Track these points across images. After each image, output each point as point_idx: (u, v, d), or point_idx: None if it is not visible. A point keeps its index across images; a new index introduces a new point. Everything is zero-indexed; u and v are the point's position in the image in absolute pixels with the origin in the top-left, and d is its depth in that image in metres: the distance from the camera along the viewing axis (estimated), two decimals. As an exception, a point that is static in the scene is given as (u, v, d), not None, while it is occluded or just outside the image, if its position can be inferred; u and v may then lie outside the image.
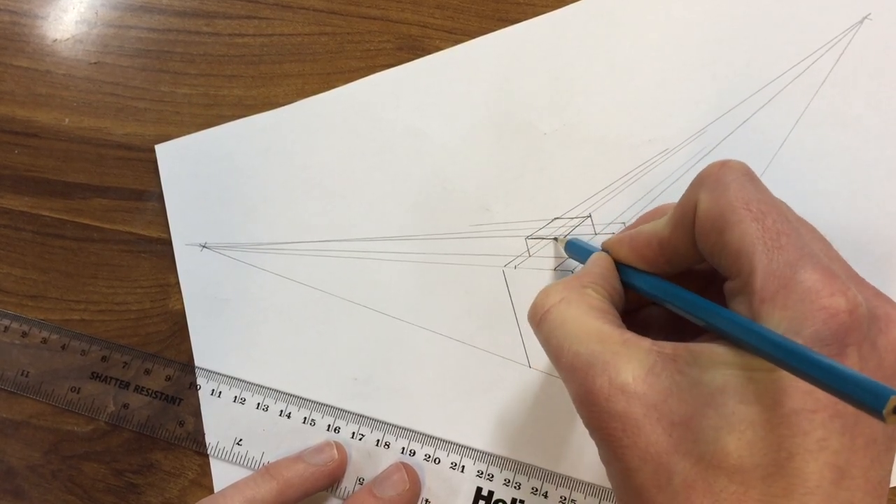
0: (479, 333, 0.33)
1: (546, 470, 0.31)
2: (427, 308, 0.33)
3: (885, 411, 0.14)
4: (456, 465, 0.32)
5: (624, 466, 0.20)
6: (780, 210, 0.21)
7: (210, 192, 0.36)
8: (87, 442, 0.35)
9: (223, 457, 0.34)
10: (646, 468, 0.20)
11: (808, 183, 0.31)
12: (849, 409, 0.18)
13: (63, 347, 0.36)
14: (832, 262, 0.20)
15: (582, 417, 0.22)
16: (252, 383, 0.34)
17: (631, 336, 0.21)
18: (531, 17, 0.35)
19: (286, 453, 0.32)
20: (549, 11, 0.35)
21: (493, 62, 0.35)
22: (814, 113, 0.32)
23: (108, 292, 0.36)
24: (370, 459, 0.32)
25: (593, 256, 0.26)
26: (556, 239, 0.33)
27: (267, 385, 0.34)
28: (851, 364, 0.18)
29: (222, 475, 0.34)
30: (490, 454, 0.32)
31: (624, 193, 0.33)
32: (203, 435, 0.34)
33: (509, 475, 0.31)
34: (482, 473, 0.32)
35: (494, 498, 0.31)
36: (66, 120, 0.38)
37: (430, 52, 0.36)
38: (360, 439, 0.33)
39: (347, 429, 0.33)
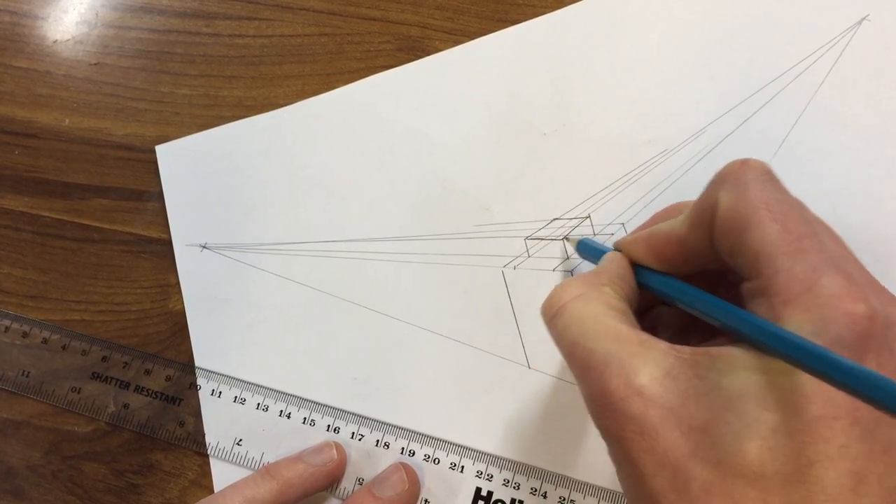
0: (479, 333, 0.33)
1: (545, 470, 0.31)
2: (426, 308, 0.33)
3: None
4: (455, 465, 0.32)
5: (638, 471, 0.20)
6: (801, 211, 0.21)
7: (210, 193, 0.36)
8: (88, 442, 0.35)
9: (223, 457, 0.34)
10: (662, 473, 0.19)
11: (808, 183, 0.31)
12: (867, 415, 0.18)
13: (63, 348, 0.36)
14: (851, 266, 0.20)
15: (594, 417, 0.21)
16: (252, 383, 0.34)
17: (648, 338, 0.21)
18: (531, 18, 0.35)
19: (286, 453, 0.32)
20: (549, 12, 0.35)
21: (492, 63, 0.35)
22: (814, 113, 0.32)
23: (108, 292, 0.37)
24: (370, 460, 0.32)
25: (608, 255, 0.26)
26: (566, 238, 0.32)
27: (267, 385, 0.34)
28: None
29: (222, 475, 0.34)
30: (489, 454, 0.32)
31: (624, 194, 0.33)
32: (203, 435, 0.34)
33: (508, 475, 0.31)
34: (481, 474, 0.32)
35: (494, 498, 0.31)
36: (67, 120, 0.38)
37: (429, 53, 0.36)
38: (360, 439, 0.33)
39: (347, 429, 0.33)
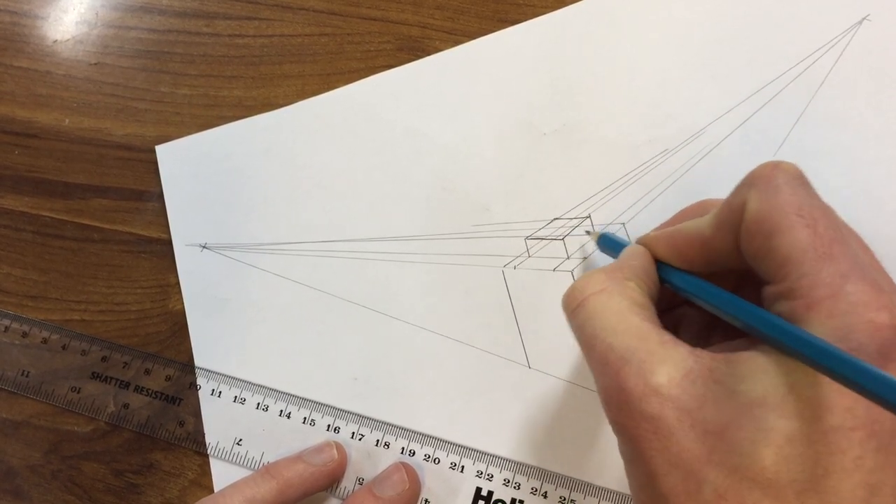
0: (479, 333, 0.33)
1: (545, 470, 0.31)
2: (427, 308, 0.33)
3: None
4: (455, 465, 0.32)
5: (651, 470, 0.20)
6: (831, 217, 0.20)
7: (210, 193, 0.36)
8: (87, 442, 0.35)
9: (223, 457, 0.34)
10: (675, 474, 0.19)
11: (808, 183, 0.31)
12: (885, 428, 0.18)
13: (63, 347, 0.36)
14: (878, 275, 0.20)
15: (608, 412, 0.21)
16: (252, 383, 0.34)
17: (670, 338, 0.21)
18: (531, 18, 0.35)
19: (286, 453, 0.32)
20: (549, 12, 0.35)
21: (493, 63, 0.35)
22: (814, 113, 0.32)
23: (108, 292, 0.37)
24: (370, 459, 0.32)
25: (630, 249, 0.26)
26: (588, 232, 0.32)
27: (267, 385, 0.34)
28: None
29: (222, 475, 0.34)
30: (489, 454, 0.32)
31: (624, 193, 0.33)
32: (203, 435, 0.34)
33: (509, 475, 0.31)
34: (482, 473, 0.32)
35: (494, 498, 0.31)
36: (67, 120, 0.38)
37: (429, 53, 0.36)
38: (360, 439, 0.33)
39: (347, 429, 0.33)
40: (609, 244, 0.29)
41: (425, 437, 0.32)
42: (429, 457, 0.32)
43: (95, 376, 0.35)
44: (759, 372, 0.19)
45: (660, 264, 0.25)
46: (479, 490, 0.31)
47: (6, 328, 0.37)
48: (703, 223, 0.23)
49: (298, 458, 0.31)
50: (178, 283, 0.36)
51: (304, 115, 0.36)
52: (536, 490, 0.31)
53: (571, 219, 0.33)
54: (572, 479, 0.31)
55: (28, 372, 0.36)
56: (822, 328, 0.18)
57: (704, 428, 0.19)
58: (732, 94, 0.32)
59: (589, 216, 0.33)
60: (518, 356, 0.32)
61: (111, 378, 0.35)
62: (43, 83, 0.39)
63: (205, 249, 0.36)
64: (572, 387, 0.32)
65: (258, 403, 0.34)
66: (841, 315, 0.18)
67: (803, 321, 0.19)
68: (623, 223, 0.32)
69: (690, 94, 0.33)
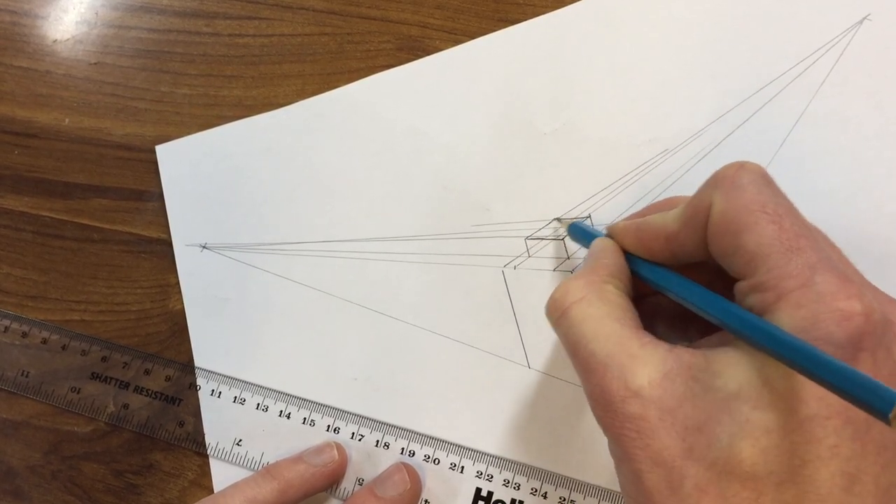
0: (479, 334, 0.33)
1: (545, 470, 0.31)
2: (427, 308, 0.33)
3: (890, 415, 0.14)
4: (455, 465, 0.32)
5: (635, 468, 0.20)
6: (796, 214, 0.21)
7: (210, 193, 0.36)
8: (87, 442, 0.35)
9: (223, 457, 0.34)
10: (657, 471, 0.20)
11: (808, 183, 0.31)
12: (861, 414, 0.18)
13: (63, 348, 0.36)
14: (846, 267, 0.20)
15: (596, 415, 0.22)
16: (252, 383, 0.34)
17: (649, 339, 0.21)
18: (531, 18, 0.35)
19: (286, 454, 0.32)
20: (549, 12, 0.35)
21: (493, 63, 0.35)
22: (814, 113, 0.32)
23: (108, 293, 0.36)
24: (370, 460, 0.32)
25: (601, 244, 0.26)
26: (558, 219, 0.32)
27: (267, 385, 0.34)
28: (865, 369, 0.18)
29: (222, 475, 0.34)
30: (489, 455, 0.32)
31: (624, 193, 0.33)
32: (203, 435, 0.34)
33: (509, 476, 0.31)
34: (482, 474, 0.32)
35: (494, 498, 0.31)
36: (66, 120, 0.38)
37: (429, 53, 0.36)
38: (360, 440, 0.33)
39: (347, 429, 0.33)
40: (579, 233, 0.30)
41: (425, 438, 0.32)
42: (429, 457, 0.32)
43: (95, 376, 0.35)
44: (734, 366, 0.19)
45: (629, 256, 0.25)
46: (478, 490, 0.31)
47: (6, 328, 0.37)
48: (669, 218, 0.24)
49: (299, 458, 0.31)
50: (178, 283, 0.36)
51: (304, 115, 0.36)
52: (536, 490, 0.31)
53: (571, 219, 0.33)
54: (572, 480, 0.31)
55: (28, 372, 0.36)
56: (791, 319, 0.19)
57: (685, 424, 0.20)
58: (732, 94, 0.32)
59: (589, 216, 0.33)
60: (518, 356, 0.32)
61: (111, 378, 0.35)
62: (43, 83, 0.39)
63: (205, 249, 0.36)
64: (572, 387, 0.32)
65: (258, 404, 0.34)
66: (809, 304, 0.19)
67: (773, 312, 0.19)
68: (623, 223, 0.32)
69: (690, 94, 0.33)
